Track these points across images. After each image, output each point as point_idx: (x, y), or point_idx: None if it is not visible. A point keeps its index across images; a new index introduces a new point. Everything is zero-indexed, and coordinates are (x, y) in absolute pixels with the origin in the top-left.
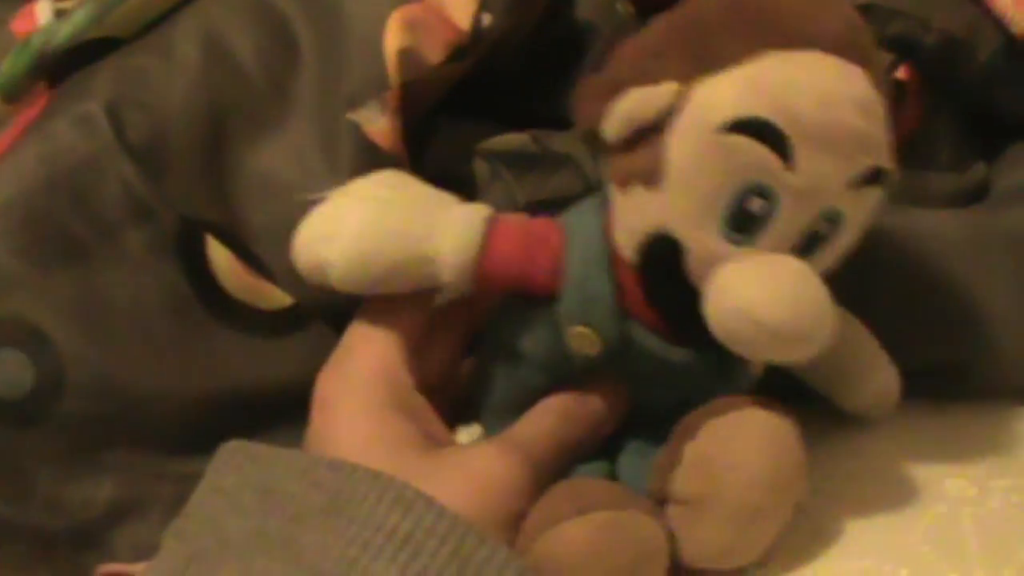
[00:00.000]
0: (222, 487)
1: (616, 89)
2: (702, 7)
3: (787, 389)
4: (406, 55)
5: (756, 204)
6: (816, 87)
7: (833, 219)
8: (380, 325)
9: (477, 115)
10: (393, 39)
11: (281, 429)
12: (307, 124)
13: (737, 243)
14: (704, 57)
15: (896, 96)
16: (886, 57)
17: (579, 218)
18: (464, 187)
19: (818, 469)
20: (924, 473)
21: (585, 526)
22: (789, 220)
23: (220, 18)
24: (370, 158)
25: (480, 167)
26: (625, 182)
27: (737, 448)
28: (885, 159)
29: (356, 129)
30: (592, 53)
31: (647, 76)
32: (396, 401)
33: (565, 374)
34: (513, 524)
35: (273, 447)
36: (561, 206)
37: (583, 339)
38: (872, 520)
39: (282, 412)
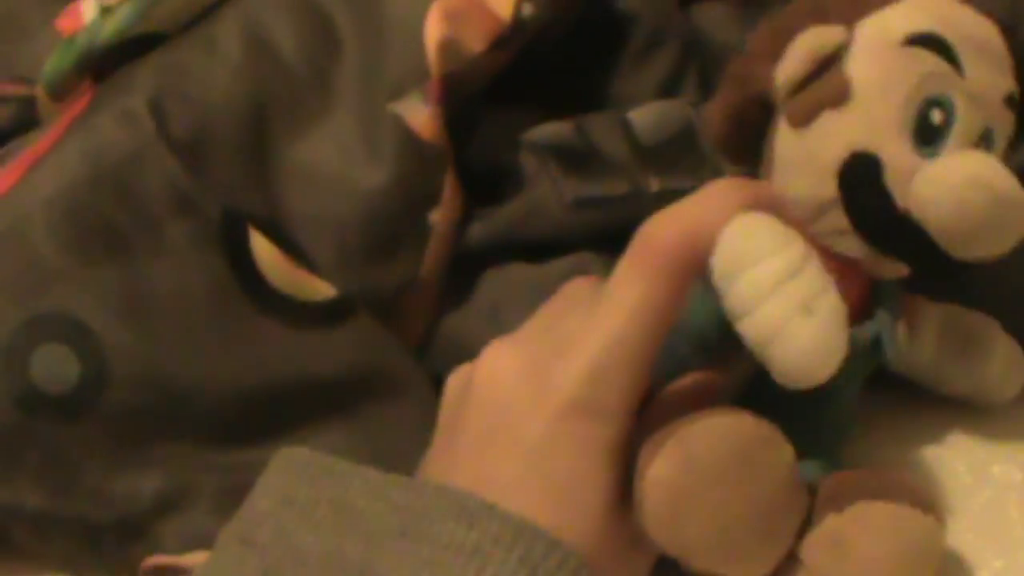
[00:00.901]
0: (295, 499)
1: (786, 38)
2: None
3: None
4: (447, 46)
5: (937, 115)
6: (972, 13)
7: (988, 137)
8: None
9: (519, 100)
10: (434, 30)
11: (326, 421)
12: (349, 115)
13: (925, 155)
14: (863, 3)
15: None
16: None
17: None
18: (509, 178)
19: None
20: (970, 459)
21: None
22: (964, 131)
23: (262, 12)
24: (412, 148)
25: (527, 159)
26: (811, 114)
27: (880, 546)
28: (1015, 84)
29: (398, 120)
30: (635, 40)
31: (816, 21)
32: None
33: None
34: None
35: (345, 461)
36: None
37: None
38: None
39: (328, 403)
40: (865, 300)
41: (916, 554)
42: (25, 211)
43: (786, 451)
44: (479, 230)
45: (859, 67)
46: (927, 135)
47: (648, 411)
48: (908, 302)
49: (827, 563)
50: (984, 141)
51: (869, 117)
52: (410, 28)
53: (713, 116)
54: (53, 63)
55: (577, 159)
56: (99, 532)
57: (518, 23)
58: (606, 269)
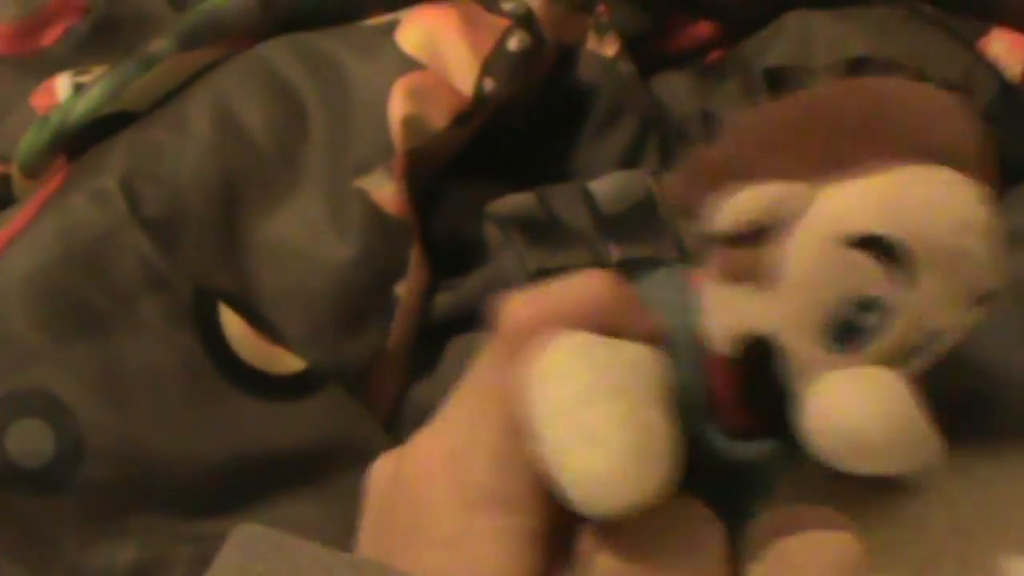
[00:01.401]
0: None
1: (731, 177)
2: (837, 104)
3: None
4: (410, 122)
5: (869, 319)
6: (951, 211)
7: (937, 337)
8: None
9: (482, 173)
10: (397, 107)
11: (297, 491)
12: (316, 192)
13: (839, 352)
14: (837, 160)
15: None
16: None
17: (661, 294)
18: (474, 249)
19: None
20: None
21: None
22: (898, 337)
23: (231, 90)
24: (378, 223)
25: (491, 231)
26: (731, 278)
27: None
28: (998, 279)
29: (364, 195)
30: (596, 111)
31: (771, 170)
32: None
33: None
34: None
35: (296, 538)
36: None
37: None
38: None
39: (299, 474)
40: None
41: (840, 571)
42: (0, 290)
43: (720, 526)
44: (445, 301)
45: (797, 254)
46: (849, 335)
47: None
48: None
49: None
50: (930, 339)
51: (788, 308)
52: (375, 105)
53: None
54: (27, 141)
55: (540, 230)
56: None
57: (480, 99)
58: None
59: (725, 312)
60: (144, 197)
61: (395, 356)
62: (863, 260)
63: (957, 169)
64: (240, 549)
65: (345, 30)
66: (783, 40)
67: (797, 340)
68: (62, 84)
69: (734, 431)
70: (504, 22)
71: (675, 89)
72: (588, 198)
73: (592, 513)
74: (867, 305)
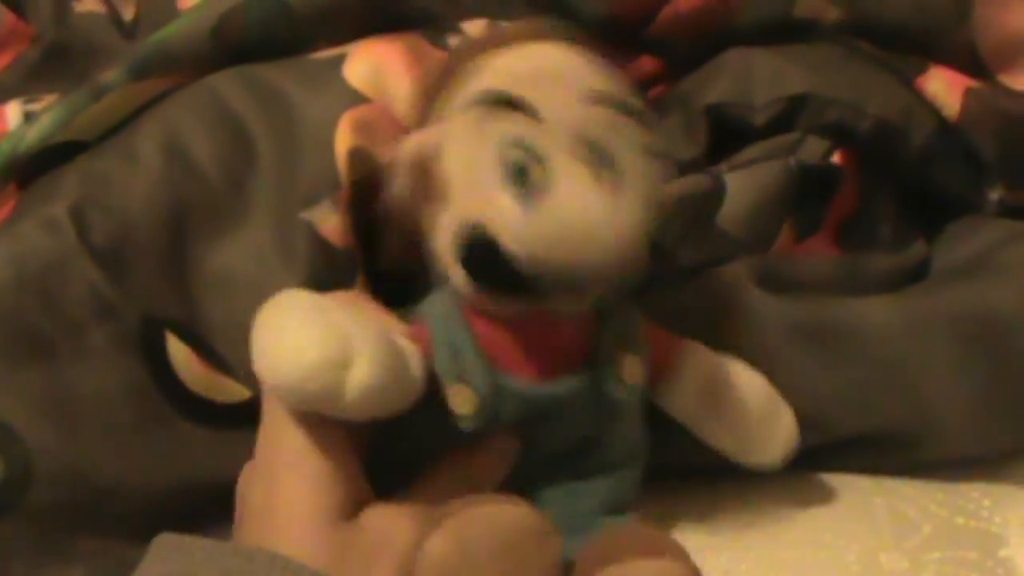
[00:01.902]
0: None
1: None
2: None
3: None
4: (355, 155)
5: (517, 153)
6: (518, 53)
7: (596, 149)
8: None
9: None
10: (343, 139)
11: None
12: (264, 223)
13: (529, 200)
14: (438, 87)
15: (835, 180)
16: (822, 143)
17: (430, 298)
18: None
19: (751, 543)
20: (860, 547)
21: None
22: (553, 149)
23: (180, 122)
24: (324, 255)
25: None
26: (428, 219)
27: None
28: (609, 88)
29: (310, 227)
30: None
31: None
32: (336, 466)
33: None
34: None
35: (194, 537)
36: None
37: (460, 397)
38: None
39: None
40: (580, 346)
41: None
42: None
43: (556, 543)
44: None
45: (447, 157)
46: (522, 179)
47: (442, 473)
48: (662, 343)
49: None
50: (586, 146)
51: (467, 195)
52: (322, 138)
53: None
54: None
55: None
56: None
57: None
58: None
59: (444, 243)
60: (94, 226)
61: None
62: (484, 111)
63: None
64: (148, 557)
65: (293, 63)
66: (724, 77)
67: (491, 207)
68: (12, 111)
69: (531, 373)
70: (446, 56)
71: None
72: None
73: (275, 388)
74: (516, 145)
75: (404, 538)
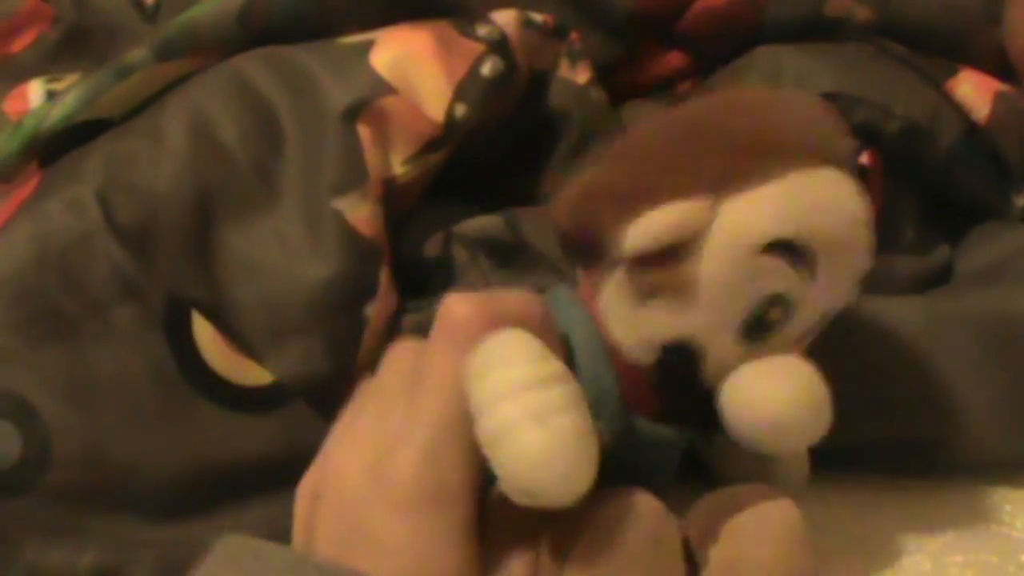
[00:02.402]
0: None
1: (635, 199)
2: (722, 119)
3: None
4: (381, 149)
5: (776, 313)
6: (840, 207)
7: (827, 318)
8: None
9: (452, 196)
10: (368, 132)
11: (259, 500)
12: (292, 209)
13: (752, 346)
14: (732, 174)
15: (861, 181)
16: (851, 143)
17: (568, 313)
18: (440, 270)
19: None
20: (881, 549)
21: None
22: (800, 325)
23: (207, 103)
24: (353, 245)
25: (459, 251)
26: (648, 294)
27: (763, 549)
28: (872, 262)
29: (339, 216)
30: (568, 138)
31: (673, 191)
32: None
33: None
34: None
35: (269, 543)
36: None
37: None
38: None
39: (261, 485)
40: None
41: (795, 538)
42: None
43: (674, 520)
44: (411, 322)
45: (710, 265)
46: (758, 330)
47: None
48: None
49: None
50: (819, 325)
51: (706, 315)
52: (347, 126)
53: (558, 219)
54: (1, 146)
55: (507, 252)
56: None
57: (451, 125)
58: None
59: (637, 324)
60: (119, 206)
61: (361, 375)
62: (771, 263)
63: (837, 167)
64: (217, 558)
65: (320, 46)
66: (753, 74)
67: (714, 341)
68: (35, 90)
69: (654, 419)
70: (478, 47)
71: (644, 117)
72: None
73: (531, 499)
74: (775, 301)
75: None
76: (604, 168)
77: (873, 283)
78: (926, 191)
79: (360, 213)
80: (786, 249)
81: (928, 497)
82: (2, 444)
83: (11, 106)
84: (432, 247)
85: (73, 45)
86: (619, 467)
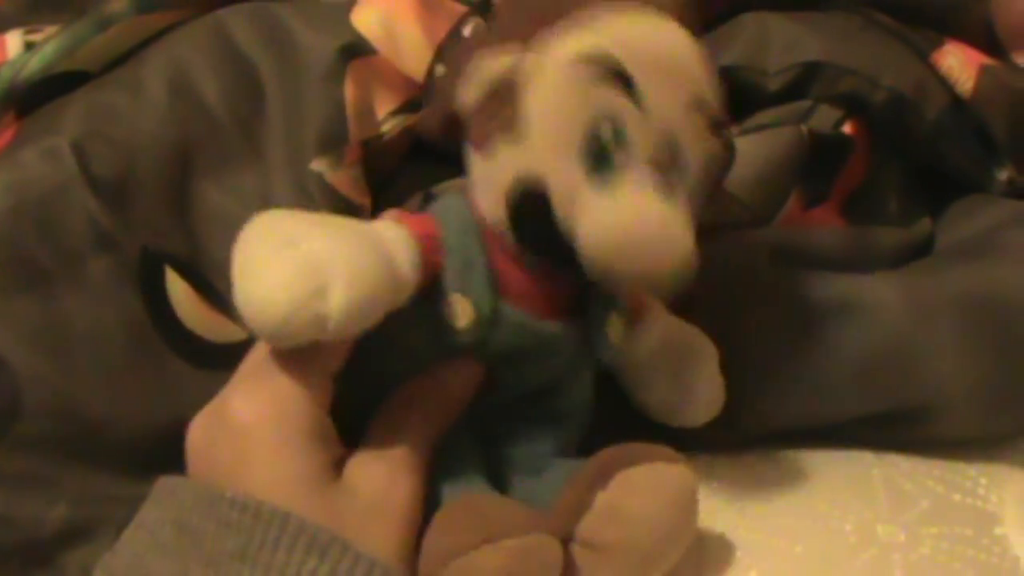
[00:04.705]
0: (145, 522)
1: (468, 59)
2: None
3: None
4: (363, 110)
5: (607, 131)
6: (645, 27)
7: (675, 147)
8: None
9: (432, 156)
10: (351, 93)
11: None
12: (274, 166)
13: (598, 178)
14: (544, 20)
15: (845, 150)
16: (834, 112)
17: (446, 201)
18: None
19: (748, 508)
20: (856, 518)
21: (498, 555)
22: (639, 149)
23: (187, 58)
24: (336, 205)
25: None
26: (486, 140)
27: (648, 502)
28: (711, 95)
29: (320, 177)
30: None
31: (494, 45)
32: (317, 430)
33: (433, 363)
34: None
35: (192, 481)
36: None
37: (458, 307)
38: (803, 565)
39: None
40: (574, 297)
41: (680, 501)
42: None
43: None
44: None
45: (532, 93)
46: (599, 158)
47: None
48: (638, 299)
49: (607, 533)
50: (668, 149)
51: (538, 143)
52: (328, 85)
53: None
54: None
55: None
56: (2, 558)
57: (431, 83)
58: None
59: (493, 177)
60: (96, 157)
61: None
62: (589, 76)
63: (653, 10)
64: (148, 499)
65: (303, 3)
66: (739, 40)
67: (557, 173)
68: (13, 41)
69: (529, 308)
70: (461, 8)
71: None
72: None
73: (260, 334)
74: (602, 120)
75: (399, 497)
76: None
77: (856, 254)
78: (910, 163)
79: (340, 176)
80: (603, 67)
81: (904, 470)
82: None
83: None
84: (412, 207)
85: None
86: (503, 360)
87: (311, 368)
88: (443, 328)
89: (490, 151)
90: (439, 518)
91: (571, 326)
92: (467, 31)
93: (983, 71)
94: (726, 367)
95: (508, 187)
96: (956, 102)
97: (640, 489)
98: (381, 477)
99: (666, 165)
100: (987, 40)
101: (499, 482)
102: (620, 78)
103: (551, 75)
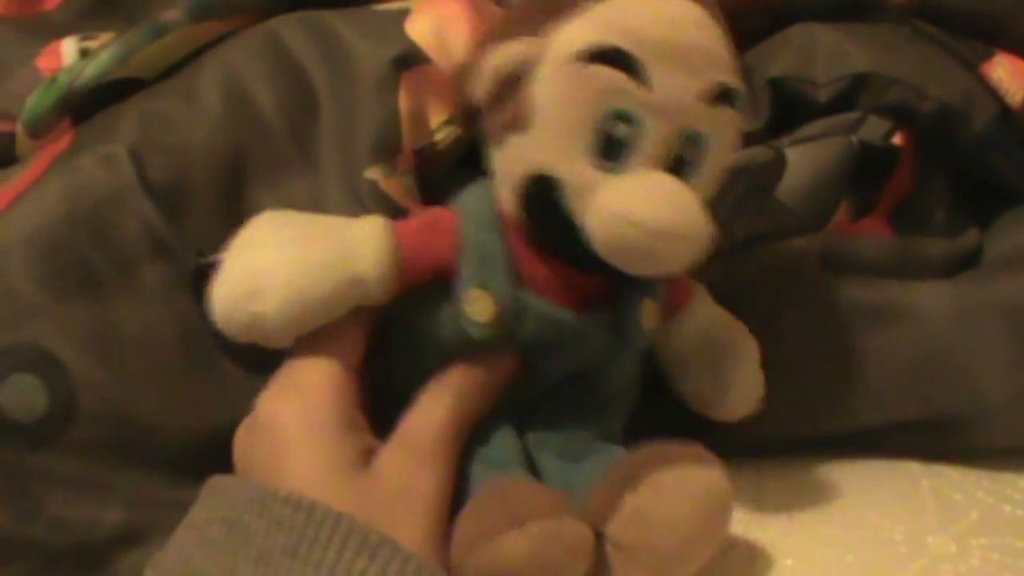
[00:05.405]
0: (195, 522)
1: (481, 54)
2: None
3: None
4: (418, 119)
5: (621, 129)
6: (658, 12)
7: (694, 140)
8: (324, 343)
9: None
10: (405, 102)
11: None
12: (329, 175)
13: (608, 170)
14: (553, 10)
15: (894, 161)
16: (883, 123)
17: (469, 194)
18: None
19: (796, 518)
20: (906, 528)
21: (523, 539)
22: (653, 141)
23: (242, 65)
24: (390, 212)
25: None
26: (499, 135)
27: (674, 507)
28: (731, 76)
29: (375, 185)
30: None
31: (511, 36)
32: (345, 419)
33: (462, 355)
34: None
35: (243, 480)
36: None
37: (479, 303)
38: (854, 574)
39: None
40: (604, 286)
41: (708, 505)
42: (4, 245)
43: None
44: None
45: (540, 87)
46: (609, 150)
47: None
48: (679, 286)
49: (635, 537)
50: (690, 145)
51: (547, 138)
52: (382, 94)
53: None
54: (34, 102)
55: None
56: (57, 559)
57: None
58: None
59: (506, 170)
60: (152, 164)
61: None
62: (598, 71)
63: None
64: (197, 500)
65: (356, 12)
66: (788, 51)
67: (565, 165)
68: (68, 48)
69: (554, 298)
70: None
71: None
72: None
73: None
74: (615, 116)
75: (425, 486)
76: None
77: (903, 264)
78: (958, 174)
79: (392, 183)
80: (611, 57)
81: (953, 480)
82: (28, 398)
83: (44, 63)
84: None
85: (107, 3)
86: (533, 349)
87: (331, 363)
88: (467, 322)
89: (502, 143)
90: (470, 505)
91: (601, 314)
92: None
93: None
94: (775, 369)
95: (519, 179)
96: (1004, 113)
97: (667, 493)
98: (406, 466)
99: (679, 156)
100: None
101: (538, 470)
102: (629, 68)
103: (557, 66)
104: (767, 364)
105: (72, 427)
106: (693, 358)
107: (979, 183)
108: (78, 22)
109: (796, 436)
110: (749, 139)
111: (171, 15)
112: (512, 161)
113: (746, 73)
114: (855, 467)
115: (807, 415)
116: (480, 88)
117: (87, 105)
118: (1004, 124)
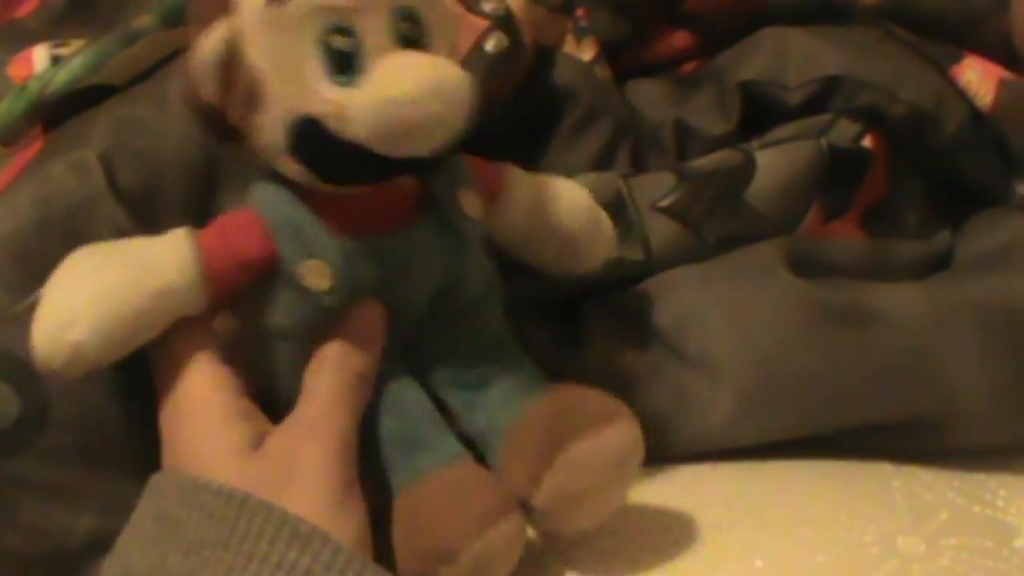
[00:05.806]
0: (132, 520)
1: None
2: None
3: None
4: None
5: (342, 42)
6: None
7: (410, 17)
8: (189, 346)
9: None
10: None
11: None
12: None
13: (352, 84)
14: None
15: (865, 164)
16: (854, 126)
17: (254, 188)
18: None
19: (769, 519)
20: (877, 529)
21: (510, 526)
22: (374, 34)
23: None
24: None
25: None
26: (246, 118)
27: (592, 478)
28: None
29: None
30: (572, 114)
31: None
32: (228, 409)
33: (322, 332)
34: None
35: (178, 474)
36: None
37: (314, 272)
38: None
39: None
40: (414, 194)
41: (624, 463)
42: None
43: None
44: None
45: (254, 49)
46: (345, 65)
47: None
48: (488, 171)
49: (558, 509)
50: (410, 23)
51: (286, 86)
52: None
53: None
54: (4, 109)
55: None
56: (30, 565)
57: None
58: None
59: (270, 141)
60: (123, 170)
61: None
62: (292, 4)
63: None
64: (146, 494)
65: None
66: (759, 55)
67: (314, 97)
68: (40, 55)
69: (377, 230)
70: (483, 22)
71: (649, 96)
72: None
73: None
74: (335, 32)
75: (311, 457)
76: None
77: (875, 266)
78: (929, 176)
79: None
80: None
81: (924, 481)
82: (1, 405)
83: (16, 70)
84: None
85: (79, 10)
86: (387, 287)
87: (203, 360)
88: (314, 297)
89: (254, 124)
90: (430, 513)
91: (426, 223)
92: (490, 46)
93: (1002, 85)
94: (747, 372)
95: (284, 138)
96: (975, 116)
97: (584, 468)
98: (292, 440)
99: (404, 30)
100: (1006, 54)
101: (449, 410)
102: None
103: (256, 21)
104: (741, 365)
105: (45, 433)
106: (534, 228)
107: (949, 185)
108: (50, 29)
109: (768, 437)
110: (719, 143)
111: (143, 21)
112: (270, 129)
113: (716, 76)
114: (826, 468)
115: (780, 415)
116: (209, 85)
117: (59, 112)
118: (974, 127)
